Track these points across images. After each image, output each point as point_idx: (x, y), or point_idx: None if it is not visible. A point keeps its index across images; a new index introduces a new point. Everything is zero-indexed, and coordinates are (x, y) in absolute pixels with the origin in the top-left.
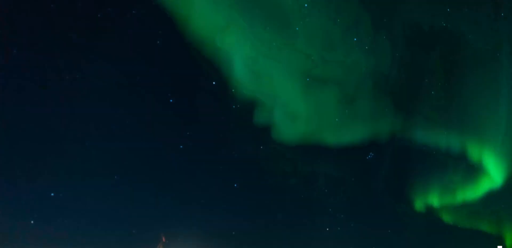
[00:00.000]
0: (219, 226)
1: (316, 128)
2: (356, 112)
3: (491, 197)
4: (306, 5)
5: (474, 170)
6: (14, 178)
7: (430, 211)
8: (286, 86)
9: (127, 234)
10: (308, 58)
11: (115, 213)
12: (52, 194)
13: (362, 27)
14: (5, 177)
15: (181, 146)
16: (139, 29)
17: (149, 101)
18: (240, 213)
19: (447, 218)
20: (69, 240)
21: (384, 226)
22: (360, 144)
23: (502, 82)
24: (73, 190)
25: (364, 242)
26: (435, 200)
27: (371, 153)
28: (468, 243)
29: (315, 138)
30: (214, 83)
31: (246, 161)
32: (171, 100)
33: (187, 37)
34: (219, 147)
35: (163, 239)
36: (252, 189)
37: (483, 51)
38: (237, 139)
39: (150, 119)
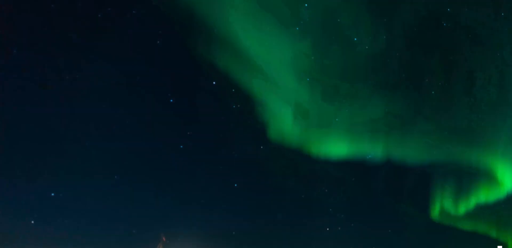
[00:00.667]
0: (219, 226)
1: (316, 127)
2: (356, 112)
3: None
4: (306, 5)
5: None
6: (14, 178)
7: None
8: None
9: (127, 234)
10: (308, 57)
11: (115, 213)
12: (53, 194)
13: (362, 27)
14: (6, 177)
15: (181, 146)
16: (139, 29)
17: (149, 101)
18: (240, 213)
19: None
20: (69, 240)
21: (384, 226)
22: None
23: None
24: (74, 190)
25: (364, 242)
26: (441, 206)
27: (371, 153)
28: (468, 243)
29: (315, 137)
30: (214, 83)
31: (246, 161)
32: (171, 100)
33: (187, 37)
34: (219, 147)
35: (163, 239)
36: (252, 189)
37: (488, 53)
38: (237, 139)
39: (150, 119)
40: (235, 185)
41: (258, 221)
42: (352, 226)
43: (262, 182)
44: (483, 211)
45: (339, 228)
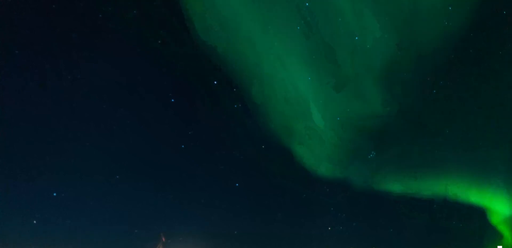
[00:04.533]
0: (219, 226)
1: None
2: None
3: None
4: (307, 4)
5: None
6: (15, 179)
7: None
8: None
9: (128, 233)
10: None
11: (116, 213)
12: (54, 194)
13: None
14: (7, 177)
15: (182, 146)
16: (139, 29)
17: (149, 101)
18: (241, 213)
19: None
20: (71, 239)
21: (385, 226)
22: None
23: None
24: (75, 190)
25: (365, 241)
26: None
27: (373, 152)
28: (468, 243)
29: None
30: (215, 82)
31: (247, 160)
32: (172, 100)
33: (187, 37)
34: (220, 146)
35: (163, 239)
36: (253, 189)
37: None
38: (238, 139)
39: (151, 119)
40: (236, 184)
41: (259, 220)
42: (354, 225)
43: (263, 181)
44: None
45: (341, 228)
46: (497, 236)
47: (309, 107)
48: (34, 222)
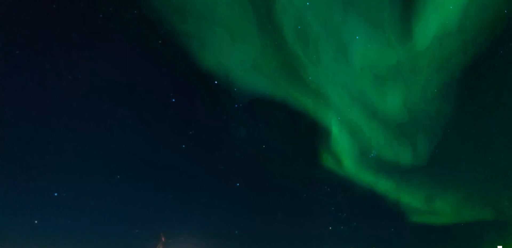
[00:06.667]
0: (220, 226)
1: None
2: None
3: None
4: (308, 3)
5: None
6: (16, 179)
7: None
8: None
9: (128, 233)
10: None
11: (117, 212)
12: (55, 194)
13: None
14: (8, 178)
15: (183, 146)
16: (139, 29)
17: (150, 101)
18: (242, 213)
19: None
20: (71, 239)
21: (386, 225)
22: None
23: None
24: (75, 190)
25: (366, 241)
26: None
27: (373, 152)
28: (468, 243)
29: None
30: (216, 82)
31: (247, 160)
32: (173, 100)
33: (187, 37)
34: (221, 146)
35: (163, 239)
36: (253, 189)
37: None
38: (238, 139)
39: (151, 118)
40: (237, 184)
41: (259, 220)
42: (354, 225)
43: (263, 181)
44: None
45: (341, 227)
46: (497, 236)
47: None
48: (35, 222)
